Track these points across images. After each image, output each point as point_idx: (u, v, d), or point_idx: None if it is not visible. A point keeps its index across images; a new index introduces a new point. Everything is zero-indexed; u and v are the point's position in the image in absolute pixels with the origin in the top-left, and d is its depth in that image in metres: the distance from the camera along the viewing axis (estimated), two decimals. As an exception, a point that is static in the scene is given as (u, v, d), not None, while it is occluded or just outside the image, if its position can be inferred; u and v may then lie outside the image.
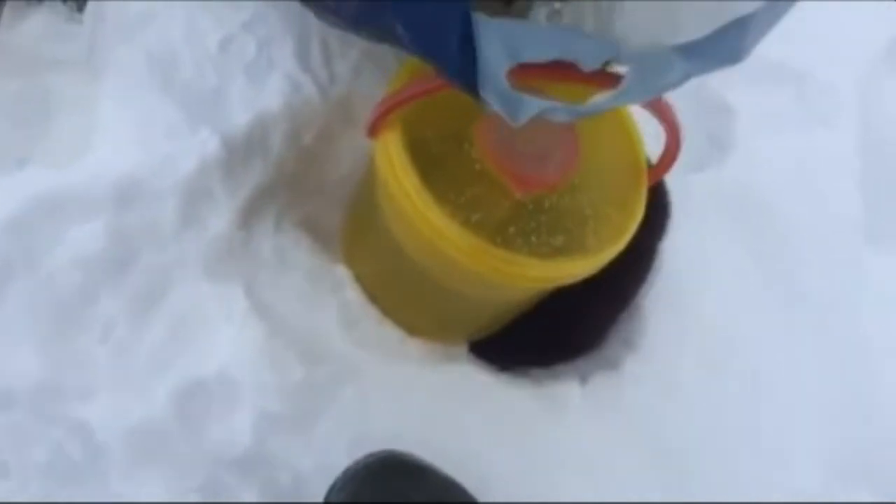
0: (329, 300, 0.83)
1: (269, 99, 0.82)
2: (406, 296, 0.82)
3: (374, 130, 0.69)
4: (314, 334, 0.80)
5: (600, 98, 0.60)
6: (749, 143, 1.09)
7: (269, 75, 0.83)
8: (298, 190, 0.86)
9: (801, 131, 1.12)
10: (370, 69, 0.89)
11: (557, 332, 0.86)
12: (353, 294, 0.84)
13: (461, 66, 0.57)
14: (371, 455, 0.72)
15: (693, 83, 0.57)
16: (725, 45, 0.56)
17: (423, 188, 0.66)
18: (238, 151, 0.81)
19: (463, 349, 0.88)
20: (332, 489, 0.70)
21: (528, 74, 0.58)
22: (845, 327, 1.01)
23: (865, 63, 1.20)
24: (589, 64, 0.58)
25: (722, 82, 1.09)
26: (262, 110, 0.81)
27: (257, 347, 0.76)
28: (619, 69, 0.60)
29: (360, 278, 0.85)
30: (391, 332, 0.84)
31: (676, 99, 0.73)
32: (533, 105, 0.58)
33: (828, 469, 0.91)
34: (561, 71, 0.59)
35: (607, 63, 0.60)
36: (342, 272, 0.85)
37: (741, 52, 0.57)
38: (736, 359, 0.91)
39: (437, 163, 0.70)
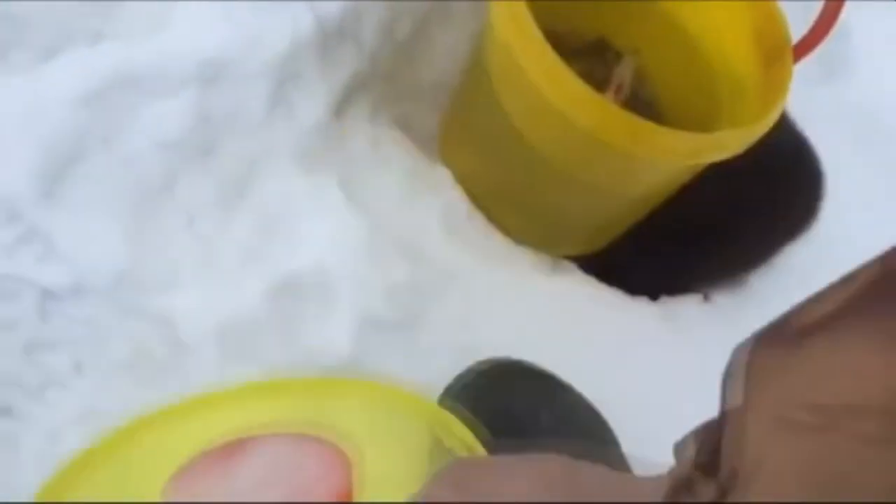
0: (431, 200, 0.75)
1: (363, -19, 0.74)
2: (517, 198, 0.75)
3: None
4: (416, 235, 0.72)
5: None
6: (865, 65, 1.01)
7: (365, -43, 0.76)
8: (395, 85, 0.79)
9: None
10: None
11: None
12: (456, 196, 0.76)
13: None
14: (487, 360, 0.64)
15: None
16: None
17: (542, 35, 0.58)
18: (331, 36, 0.73)
19: (572, 262, 0.79)
20: (448, 393, 0.62)
21: None
22: None
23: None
24: None
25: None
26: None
27: (355, 243, 0.68)
28: None
29: (463, 181, 0.77)
30: (497, 239, 0.76)
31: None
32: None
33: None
34: None
35: None
36: (443, 173, 0.77)
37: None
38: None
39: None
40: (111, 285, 0.63)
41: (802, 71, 0.67)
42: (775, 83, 0.65)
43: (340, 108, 0.75)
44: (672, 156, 0.60)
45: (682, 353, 0.75)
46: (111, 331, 0.63)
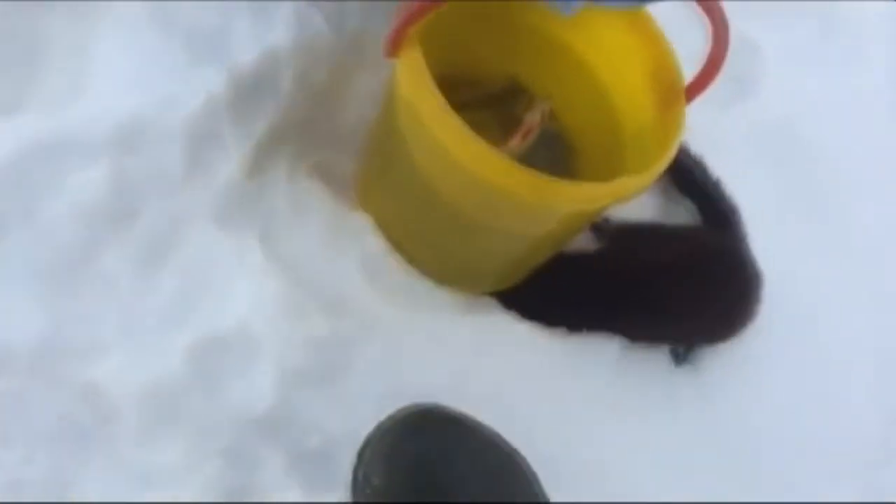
0: (350, 249, 0.77)
1: (276, 35, 0.76)
2: (432, 240, 0.77)
3: (394, 46, 0.63)
4: (337, 285, 0.74)
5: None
6: (776, 83, 1.04)
7: (276, 9, 0.77)
8: (311, 134, 0.80)
9: (829, 69, 1.07)
10: (383, 4, 0.82)
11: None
12: (375, 242, 0.78)
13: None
14: (407, 408, 0.66)
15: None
16: None
17: (449, 106, 0.60)
18: (246, 91, 0.75)
19: (494, 300, 0.82)
20: (368, 444, 0.64)
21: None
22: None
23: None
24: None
25: (742, 17, 1.04)
26: (269, 47, 0.75)
27: (277, 300, 0.70)
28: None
29: (381, 225, 0.79)
30: (417, 282, 0.78)
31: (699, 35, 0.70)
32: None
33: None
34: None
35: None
36: (362, 219, 0.79)
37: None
38: (785, 303, 0.86)
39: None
40: (33, 356, 0.64)
41: (713, 92, 0.68)
42: (670, 126, 0.68)
43: (258, 162, 0.76)
44: (571, 204, 0.63)
45: (597, 385, 0.78)
46: (34, 401, 0.64)
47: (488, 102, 0.82)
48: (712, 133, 0.92)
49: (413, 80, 0.62)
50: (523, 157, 0.65)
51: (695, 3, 0.62)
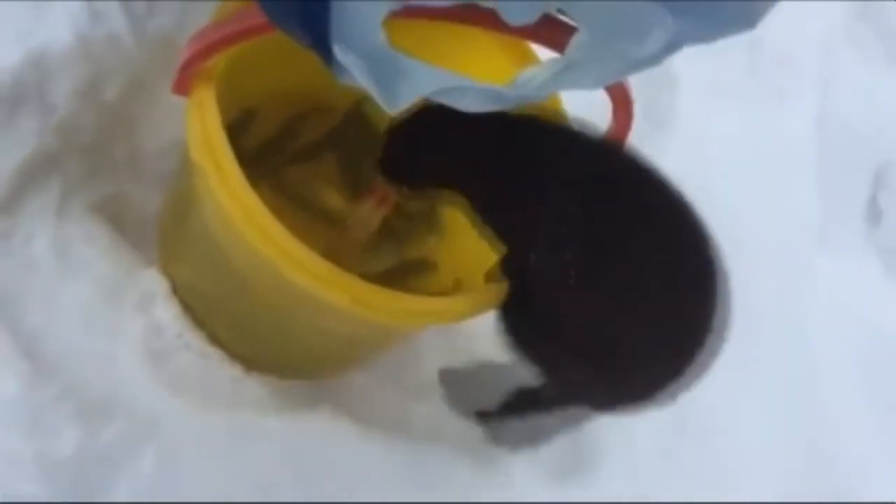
0: (131, 322, 0.60)
1: (49, 33, 0.57)
2: (239, 320, 0.60)
3: (181, 83, 0.49)
4: (103, 374, 0.57)
5: (533, 75, 0.38)
6: (692, 120, 0.90)
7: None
8: (97, 163, 0.62)
9: (753, 107, 0.93)
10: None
11: None
12: (168, 313, 0.61)
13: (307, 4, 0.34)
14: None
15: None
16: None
17: (239, 171, 0.47)
18: (3, 102, 0.56)
19: (323, 387, 0.65)
20: None
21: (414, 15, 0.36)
22: (793, 348, 0.87)
23: (823, 31, 1.02)
24: (517, 16, 0.36)
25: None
26: (37, 49, 0.56)
27: (11, 402, 0.52)
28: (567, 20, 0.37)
29: (180, 291, 0.61)
30: (219, 369, 0.61)
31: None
32: (424, 80, 0.35)
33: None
34: (469, 17, 0.37)
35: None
36: (155, 280, 0.61)
37: (754, 13, 0.36)
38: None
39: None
40: None
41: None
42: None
43: (14, 198, 0.58)
44: (393, 319, 0.49)
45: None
46: None
47: (334, 139, 0.66)
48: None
49: (200, 130, 0.45)
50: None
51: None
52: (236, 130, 0.63)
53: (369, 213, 0.62)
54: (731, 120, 0.92)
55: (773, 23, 0.97)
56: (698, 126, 0.91)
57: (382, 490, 0.63)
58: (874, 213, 1.00)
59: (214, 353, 0.61)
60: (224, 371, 0.61)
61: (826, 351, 0.89)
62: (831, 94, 0.99)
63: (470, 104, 0.37)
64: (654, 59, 0.35)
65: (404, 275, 0.67)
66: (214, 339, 0.61)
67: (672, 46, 0.35)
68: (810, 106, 0.98)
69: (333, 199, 0.68)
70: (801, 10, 0.96)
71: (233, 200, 0.46)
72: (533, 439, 0.66)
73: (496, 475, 0.67)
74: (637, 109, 0.77)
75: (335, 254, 0.51)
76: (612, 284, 0.50)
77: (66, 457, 0.52)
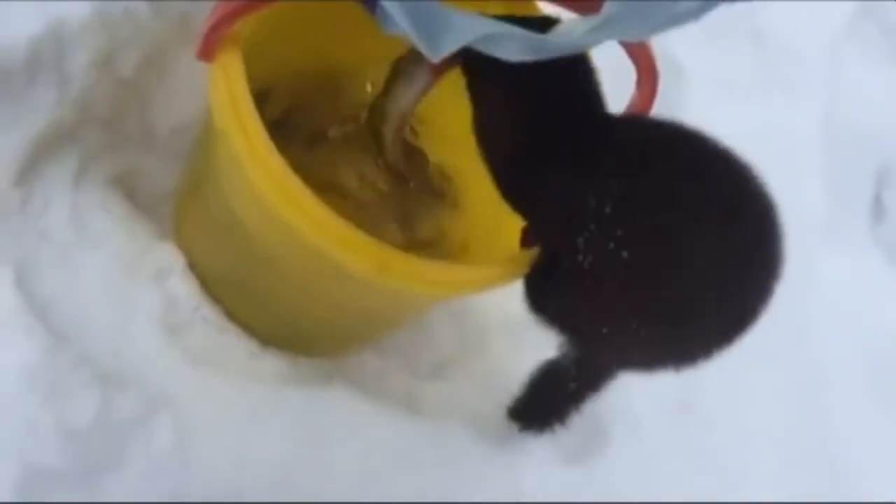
0: (147, 294, 0.59)
1: (69, 4, 0.56)
2: (254, 295, 0.59)
3: (207, 48, 0.48)
4: (119, 345, 0.56)
5: (574, 26, 0.38)
6: (699, 112, 0.90)
7: (70, -31, 0.58)
8: (113, 136, 0.61)
9: (759, 101, 0.94)
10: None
11: None
12: (185, 287, 0.60)
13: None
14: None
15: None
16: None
17: (266, 134, 0.46)
18: (18, 75, 0.55)
19: (335, 364, 0.64)
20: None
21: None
22: (799, 345, 0.85)
23: (829, 27, 1.03)
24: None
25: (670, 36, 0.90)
26: (56, 20, 0.56)
27: (28, 368, 0.51)
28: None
29: (196, 265, 0.61)
30: (236, 343, 0.60)
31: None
32: (467, 27, 0.35)
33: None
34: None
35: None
36: (171, 254, 0.61)
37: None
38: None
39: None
40: None
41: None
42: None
43: (31, 167, 0.57)
44: (423, 287, 0.49)
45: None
46: None
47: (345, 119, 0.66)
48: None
49: (226, 95, 0.45)
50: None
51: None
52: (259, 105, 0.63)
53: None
54: (738, 114, 0.91)
55: (778, 18, 0.98)
56: (705, 119, 0.91)
57: (395, 466, 0.62)
58: (878, 211, 1.01)
59: (231, 329, 0.60)
60: (240, 346, 0.61)
61: (831, 347, 0.88)
62: (837, 92, 1.00)
63: (511, 52, 0.37)
64: (693, 13, 0.35)
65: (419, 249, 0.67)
66: (231, 314, 0.61)
67: (708, 2, 0.35)
68: (816, 103, 0.98)
69: (347, 177, 0.67)
70: (806, 7, 0.98)
71: (260, 166, 0.45)
72: (556, 420, 0.64)
73: (506, 454, 0.66)
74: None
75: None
76: (660, 249, 0.48)
77: (83, 425, 0.51)
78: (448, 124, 0.60)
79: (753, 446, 0.79)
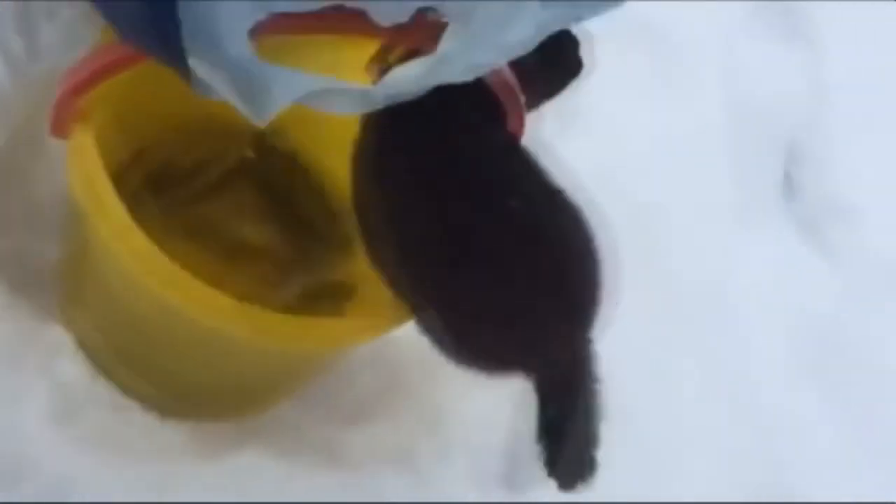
0: (34, 381, 0.56)
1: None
2: (151, 360, 0.57)
3: (58, 125, 0.47)
4: (10, 444, 0.53)
5: (406, 71, 0.37)
6: (602, 114, 0.90)
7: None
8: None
9: (662, 92, 0.94)
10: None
11: None
12: (73, 368, 0.58)
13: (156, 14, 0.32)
14: None
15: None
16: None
17: (122, 205, 0.44)
18: None
19: (245, 426, 0.62)
20: None
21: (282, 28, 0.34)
22: (722, 327, 0.87)
23: (726, 9, 1.03)
24: (389, 16, 0.35)
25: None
26: None
27: None
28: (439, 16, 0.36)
29: (84, 344, 0.59)
30: (133, 419, 0.58)
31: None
32: (289, 86, 0.34)
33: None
34: (338, 23, 0.36)
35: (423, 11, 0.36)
36: (57, 336, 0.58)
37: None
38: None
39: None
40: None
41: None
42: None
43: None
44: (300, 345, 0.49)
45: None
46: None
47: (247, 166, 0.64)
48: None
49: (82, 182, 0.45)
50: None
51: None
52: (134, 167, 0.61)
53: None
54: (641, 108, 0.92)
55: (673, 8, 0.98)
56: (608, 119, 0.91)
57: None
58: (789, 188, 1.02)
59: (126, 405, 0.58)
60: (137, 422, 0.58)
61: (755, 329, 0.89)
62: (736, 75, 1.00)
63: (340, 107, 0.36)
64: (525, 43, 0.34)
65: (323, 299, 0.65)
66: (125, 389, 0.59)
67: (543, 29, 0.34)
68: (718, 89, 0.98)
69: (253, 229, 0.66)
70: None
71: (120, 243, 0.44)
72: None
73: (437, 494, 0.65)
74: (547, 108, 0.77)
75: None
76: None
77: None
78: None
79: (684, 440, 0.78)
